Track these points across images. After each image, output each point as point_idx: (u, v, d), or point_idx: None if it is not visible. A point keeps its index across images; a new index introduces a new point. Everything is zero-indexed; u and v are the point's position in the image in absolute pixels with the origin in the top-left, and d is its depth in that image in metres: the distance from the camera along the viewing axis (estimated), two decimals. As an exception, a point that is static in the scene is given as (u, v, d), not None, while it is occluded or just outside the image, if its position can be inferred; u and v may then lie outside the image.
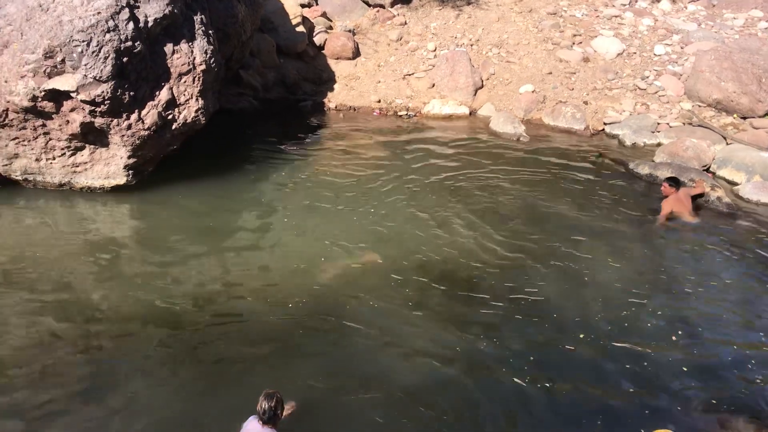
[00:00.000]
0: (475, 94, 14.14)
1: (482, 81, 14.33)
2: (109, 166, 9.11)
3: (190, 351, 6.37)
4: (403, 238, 8.61)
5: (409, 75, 14.64)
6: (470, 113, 13.86)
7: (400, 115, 13.77)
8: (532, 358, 6.46)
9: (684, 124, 12.76)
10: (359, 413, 5.69)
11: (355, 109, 13.99)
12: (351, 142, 12.02)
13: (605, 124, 13.16)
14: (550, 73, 14.30)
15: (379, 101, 14.10)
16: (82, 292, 7.20)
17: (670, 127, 12.76)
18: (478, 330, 6.84)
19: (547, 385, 6.12)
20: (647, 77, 14.17)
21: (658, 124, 12.89)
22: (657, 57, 14.78)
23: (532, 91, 13.92)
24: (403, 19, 16.01)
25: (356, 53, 15.09)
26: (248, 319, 6.91)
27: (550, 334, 6.84)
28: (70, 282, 7.36)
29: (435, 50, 15.09)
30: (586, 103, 13.65)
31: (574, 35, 15.30)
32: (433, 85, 14.32)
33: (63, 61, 8.09)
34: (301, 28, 14.81)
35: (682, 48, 15.06)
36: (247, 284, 7.51)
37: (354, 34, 15.46)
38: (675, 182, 9.71)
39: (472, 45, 15.14)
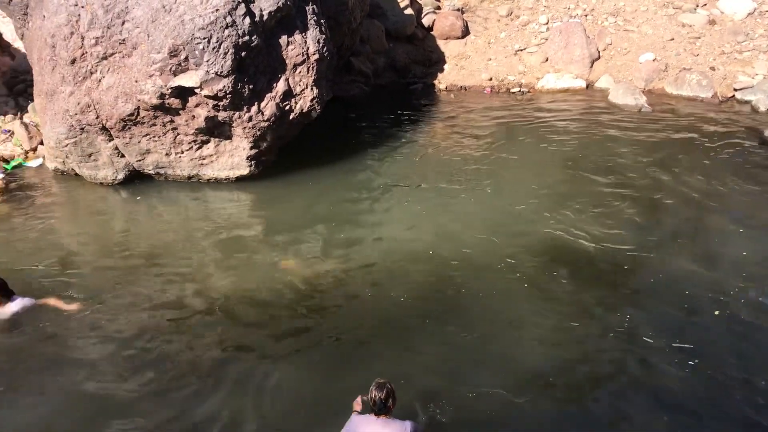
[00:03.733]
0: (591, 66, 13.62)
1: (599, 52, 13.78)
2: (233, 157, 9.50)
3: (315, 334, 6.54)
4: (520, 219, 8.45)
5: (521, 50, 14.29)
6: (587, 86, 13.38)
7: (513, 92, 13.48)
8: (665, 338, 6.18)
9: (827, 84, 11.74)
10: (480, 396, 5.65)
11: (465, 89, 13.82)
12: (463, 122, 11.89)
13: (735, 90, 12.34)
14: (672, 39, 13.54)
15: (491, 79, 13.86)
16: (212, 278, 7.55)
17: (811, 89, 11.79)
18: (604, 311, 6.63)
19: (691, 363, 5.86)
20: (782, 36, 13.12)
21: (797, 86, 11.94)
22: (793, 13, 13.65)
23: (653, 60, 13.24)
24: (512, -6, 15.61)
25: (465, 32, 14.88)
26: (370, 303, 7.00)
27: (682, 314, 6.53)
28: (201, 268, 7.74)
29: (547, 23, 14.62)
30: (713, 68, 12.83)
31: (698, -3, 14.38)
32: (547, 59, 13.91)
33: (186, 58, 8.47)
34: (409, 11, 14.77)
35: (822, 1, 13.82)
36: (366, 269, 7.60)
37: (462, 12, 15.23)
38: None
39: (586, 15, 14.55)
